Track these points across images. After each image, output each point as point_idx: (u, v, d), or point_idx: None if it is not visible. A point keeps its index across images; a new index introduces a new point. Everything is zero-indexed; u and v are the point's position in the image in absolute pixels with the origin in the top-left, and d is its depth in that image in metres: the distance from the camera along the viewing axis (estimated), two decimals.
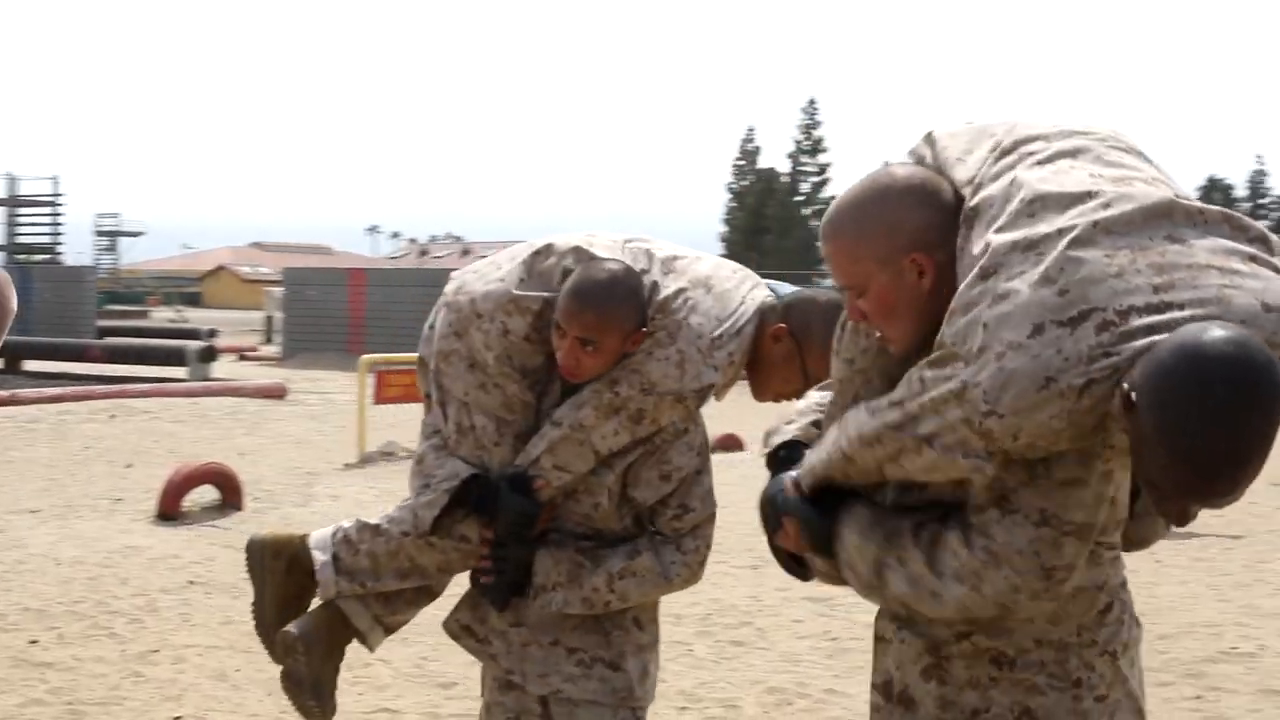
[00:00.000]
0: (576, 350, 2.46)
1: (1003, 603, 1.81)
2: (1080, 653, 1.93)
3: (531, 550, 2.58)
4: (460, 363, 2.61)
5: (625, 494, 2.59)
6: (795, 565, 2.12)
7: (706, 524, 2.63)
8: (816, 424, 2.18)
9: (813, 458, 2.03)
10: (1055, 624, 1.91)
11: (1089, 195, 1.75)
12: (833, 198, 1.96)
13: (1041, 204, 1.74)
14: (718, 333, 2.53)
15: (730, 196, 80.00)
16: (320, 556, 2.73)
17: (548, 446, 2.53)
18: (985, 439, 1.71)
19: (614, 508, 2.59)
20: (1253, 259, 1.73)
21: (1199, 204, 1.78)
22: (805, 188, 78.47)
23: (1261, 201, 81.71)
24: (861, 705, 4.02)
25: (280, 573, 2.78)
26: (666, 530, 2.60)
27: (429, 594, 2.80)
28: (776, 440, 2.20)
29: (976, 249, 1.76)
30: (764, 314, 2.62)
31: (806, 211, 77.38)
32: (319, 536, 2.77)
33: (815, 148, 78.38)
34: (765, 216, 75.93)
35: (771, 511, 2.07)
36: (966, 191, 1.85)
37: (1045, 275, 1.67)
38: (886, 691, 2.03)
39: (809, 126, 78.79)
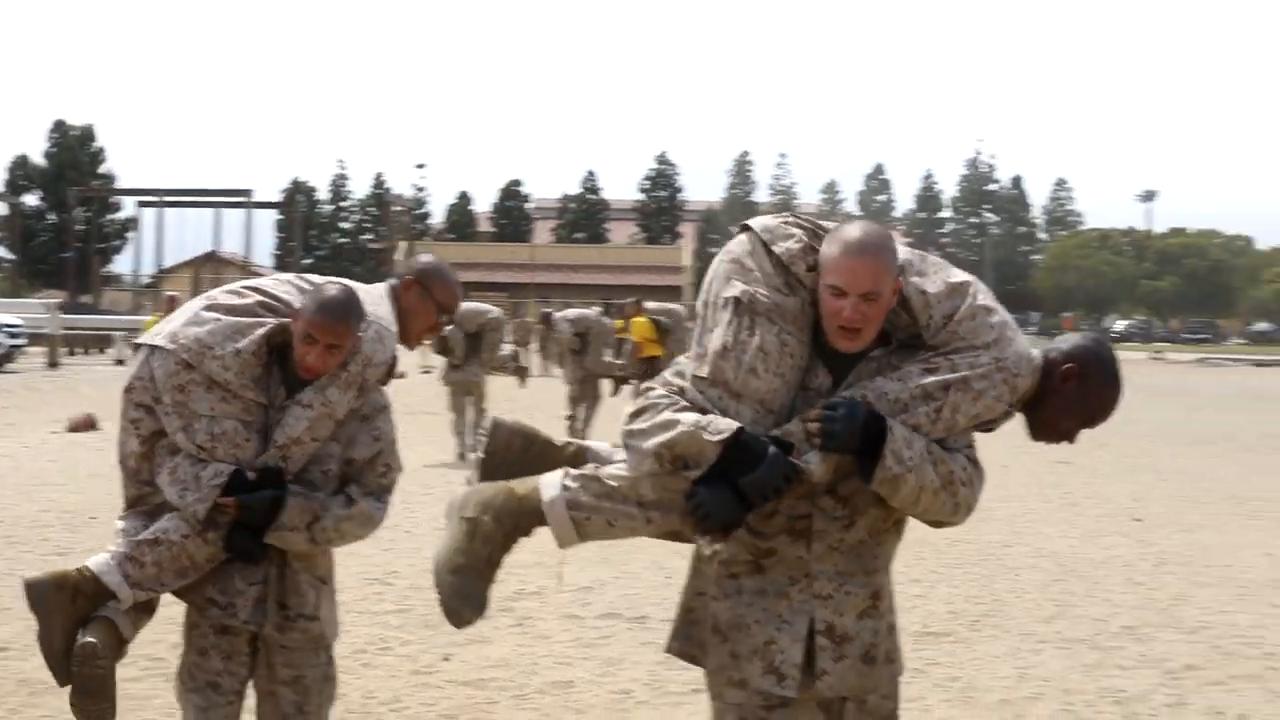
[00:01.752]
0: (325, 354, 3.22)
1: (972, 507, 2.83)
2: None
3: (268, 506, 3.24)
4: (198, 387, 3.24)
5: (344, 456, 3.37)
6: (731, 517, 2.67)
7: (397, 479, 3.48)
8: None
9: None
10: None
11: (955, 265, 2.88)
12: None
13: (945, 264, 2.83)
14: (383, 310, 3.46)
15: None
16: (112, 579, 3.23)
17: (308, 424, 3.27)
18: (1013, 392, 2.78)
19: (338, 471, 3.37)
20: None
21: None
22: None
23: (342, 204, 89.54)
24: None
25: (66, 603, 3.19)
26: (374, 486, 3.41)
27: (150, 609, 3.38)
28: (724, 428, 2.63)
29: (932, 288, 2.75)
30: (394, 286, 3.59)
31: None
32: (100, 562, 3.26)
33: None
34: None
35: (778, 454, 2.63)
36: None
37: (994, 302, 2.80)
38: (830, 634, 2.80)
39: None
